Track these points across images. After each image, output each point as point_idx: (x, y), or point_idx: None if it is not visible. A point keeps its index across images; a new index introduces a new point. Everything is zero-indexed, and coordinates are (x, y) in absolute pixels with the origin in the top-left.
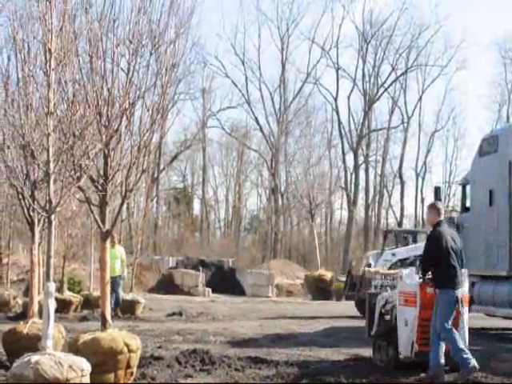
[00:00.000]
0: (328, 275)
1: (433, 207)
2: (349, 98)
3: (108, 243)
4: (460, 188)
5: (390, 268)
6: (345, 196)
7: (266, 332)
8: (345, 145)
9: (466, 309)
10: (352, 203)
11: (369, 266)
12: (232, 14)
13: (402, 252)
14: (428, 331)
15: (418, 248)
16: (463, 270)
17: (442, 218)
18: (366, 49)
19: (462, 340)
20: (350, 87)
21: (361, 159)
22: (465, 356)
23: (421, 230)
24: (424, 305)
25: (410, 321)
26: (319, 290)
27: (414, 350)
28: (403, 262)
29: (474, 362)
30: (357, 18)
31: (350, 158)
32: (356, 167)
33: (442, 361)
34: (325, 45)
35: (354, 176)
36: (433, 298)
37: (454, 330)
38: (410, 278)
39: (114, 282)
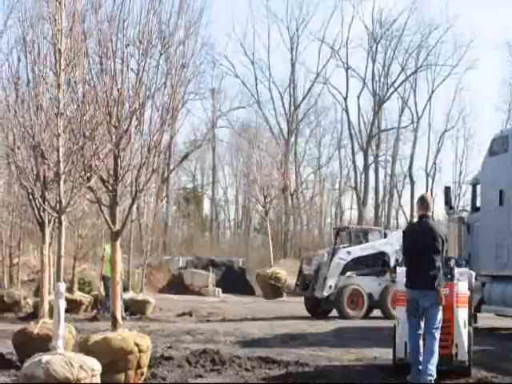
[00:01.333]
0: (281, 273)
1: (418, 200)
2: (358, 97)
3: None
4: (470, 188)
5: (344, 267)
6: (354, 196)
7: (276, 332)
8: (355, 145)
9: (463, 310)
10: (362, 203)
11: (322, 264)
12: (241, 14)
13: (357, 250)
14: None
15: (373, 246)
16: (462, 269)
17: (427, 211)
18: (376, 48)
19: (460, 340)
20: (360, 87)
21: (371, 159)
22: (414, 359)
23: (375, 228)
24: None
25: (401, 320)
26: (272, 288)
27: (407, 351)
28: (357, 261)
29: (423, 367)
30: (366, 17)
31: (359, 157)
32: (366, 167)
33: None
34: (334, 45)
35: (363, 176)
36: None
37: (415, 332)
38: (402, 276)
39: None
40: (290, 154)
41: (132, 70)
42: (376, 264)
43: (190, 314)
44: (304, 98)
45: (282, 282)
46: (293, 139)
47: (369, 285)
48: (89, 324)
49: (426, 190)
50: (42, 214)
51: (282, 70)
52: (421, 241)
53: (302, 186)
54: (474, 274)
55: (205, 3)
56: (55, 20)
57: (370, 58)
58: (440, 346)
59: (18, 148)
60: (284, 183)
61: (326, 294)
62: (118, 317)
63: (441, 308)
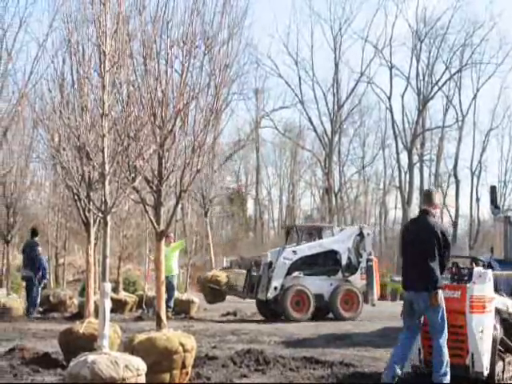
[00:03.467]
0: (222, 276)
1: (423, 194)
2: (402, 96)
3: (163, 243)
4: None
5: (290, 267)
6: (399, 195)
7: (320, 332)
8: (399, 144)
9: (478, 315)
10: (406, 203)
11: (270, 265)
12: (284, 14)
13: (304, 249)
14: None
15: (321, 245)
16: (477, 269)
17: (430, 207)
18: (420, 47)
19: (477, 350)
20: (404, 86)
21: (415, 158)
22: (390, 363)
23: (327, 225)
24: None
25: None
26: (212, 291)
27: (421, 358)
28: (307, 260)
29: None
30: (410, 16)
31: (404, 157)
32: (410, 166)
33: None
34: (378, 44)
35: (408, 175)
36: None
37: (403, 336)
38: None
39: (172, 280)
40: (333, 153)
41: (176, 70)
42: (327, 263)
43: (235, 314)
44: (348, 97)
45: (221, 285)
46: (336, 139)
47: (318, 285)
48: (134, 324)
49: (471, 189)
50: (87, 214)
51: (326, 69)
52: (417, 238)
53: (346, 186)
54: (491, 275)
55: (248, 3)
56: (100, 22)
57: (414, 57)
58: (454, 355)
59: (64, 149)
60: (328, 183)
61: (270, 295)
62: (163, 317)
63: (441, 310)
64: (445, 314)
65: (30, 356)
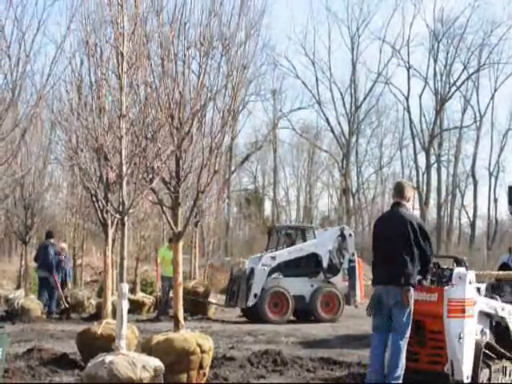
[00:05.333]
0: (201, 287)
1: (393, 186)
2: (420, 97)
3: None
4: None
5: (269, 273)
6: (417, 196)
7: (337, 333)
8: (416, 144)
9: (457, 320)
10: (424, 203)
11: (251, 271)
12: (302, 15)
13: (283, 254)
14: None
15: (301, 249)
16: (457, 270)
17: (402, 199)
18: (438, 47)
19: (455, 357)
20: (422, 86)
21: (433, 159)
22: (369, 369)
23: (308, 225)
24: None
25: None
26: (193, 303)
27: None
28: (287, 263)
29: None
30: (428, 16)
31: (421, 157)
32: (428, 167)
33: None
34: (395, 44)
35: (425, 176)
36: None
37: (375, 338)
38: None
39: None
40: (351, 154)
41: (193, 71)
42: (309, 266)
43: None
44: (365, 97)
45: (199, 296)
46: (354, 139)
47: (298, 286)
48: (151, 324)
49: (489, 190)
50: (104, 215)
51: (343, 70)
52: (389, 231)
53: (364, 187)
54: (473, 276)
55: (265, 4)
56: (117, 23)
57: (431, 57)
58: (432, 362)
59: (82, 150)
60: (345, 184)
61: (250, 303)
62: (180, 318)
63: (408, 311)
64: (411, 316)
65: (48, 356)
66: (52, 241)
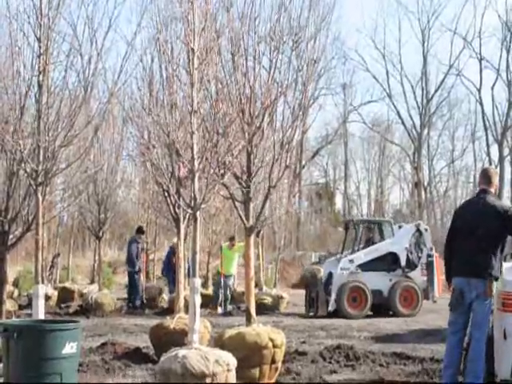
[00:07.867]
0: (269, 298)
1: (480, 173)
2: (492, 88)
3: (252, 238)
4: None
5: (349, 276)
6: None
7: (410, 328)
8: (489, 137)
9: (484, 305)
10: (497, 196)
11: (329, 275)
12: (371, 8)
13: (360, 257)
14: None
15: (378, 249)
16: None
17: (489, 186)
18: (510, 38)
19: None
20: (494, 78)
21: (506, 151)
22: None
23: (385, 220)
24: None
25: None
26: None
27: None
28: (364, 267)
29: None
30: (500, 7)
31: (494, 150)
32: (501, 159)
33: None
34: (467, 36)
35: (498, 168)
36: None
37: (452, 334)
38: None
39: (227, 280)
40: (422, 147)
41: (264, 67)
42: (387, 262)
43: None
44: (436, 90)
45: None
46: (425, 132)
47: (376, 281)
48: (223, 319)
49: None
50: (177, 210)
51: (414, 62)
52: (475, 219)
53: (436, 180)
54: None
55: None
56: (188, 20)
57: (504, 48)
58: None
59: (154, 146)
60: (417, 177)
61: (331, 308)
62: (253, 312)
63: (489, 305)
64: (491, 310)
65: (121, 351)
66: (138, 236)
